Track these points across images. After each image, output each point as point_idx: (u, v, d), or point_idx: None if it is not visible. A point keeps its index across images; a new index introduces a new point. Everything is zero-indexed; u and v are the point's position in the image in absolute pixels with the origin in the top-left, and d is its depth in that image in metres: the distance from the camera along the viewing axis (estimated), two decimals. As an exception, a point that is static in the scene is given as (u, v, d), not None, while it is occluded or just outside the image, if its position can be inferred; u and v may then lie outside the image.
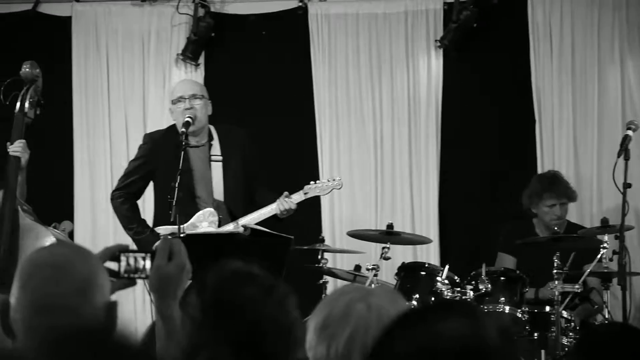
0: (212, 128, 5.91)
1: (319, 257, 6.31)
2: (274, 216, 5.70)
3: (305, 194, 5.65)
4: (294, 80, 7.54)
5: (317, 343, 2.04)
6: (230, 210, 5.74)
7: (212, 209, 5.69)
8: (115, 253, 2.44)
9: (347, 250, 6.60)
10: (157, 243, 5.47)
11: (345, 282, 6.21)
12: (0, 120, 5.81)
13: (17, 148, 5.38)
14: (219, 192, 5.79)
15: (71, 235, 6.34)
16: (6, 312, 2.22)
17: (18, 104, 5.53)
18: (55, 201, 7.41)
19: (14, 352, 1.52)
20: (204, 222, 5.64)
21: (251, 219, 5.63)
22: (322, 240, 6.41)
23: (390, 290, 2.10)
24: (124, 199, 5.89)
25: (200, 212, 5.69)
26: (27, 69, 5.60)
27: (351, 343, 2.01)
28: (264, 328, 2.02)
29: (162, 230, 5.65)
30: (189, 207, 5.66)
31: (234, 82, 7.49)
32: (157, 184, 5.86)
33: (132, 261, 2.45)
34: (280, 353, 2.02)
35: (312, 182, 5.74)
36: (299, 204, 5.72)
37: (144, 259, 2.45)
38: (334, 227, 7.34)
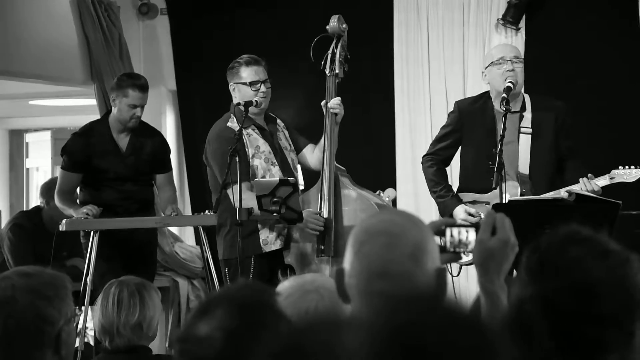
0: (527, 97, 5.78)
1: (650, 222, 6.10)
2: None
3: (611, 178, 5.42)
4: (620, 45, 7.21)
5: None
6: (533, 185, 5.60)
7: (516, 182, 5.58)
8: (440, 227, 2.44)
9: (681, 214, 6.32)
10: (456, 209, 5.50)
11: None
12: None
13: (335, 105, 5.56)
14: (524, 166, 5.66)
15: (394, 203, 6.44)
16: (341, 277, 2.27)
17: (328, 65, 5.59)
18: (379, 169, 7.57)
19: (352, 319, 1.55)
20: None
21: (550, 195, 5.46)
22: (654, 205, 6.18)
23: None
24: (432, 162, 5.89)
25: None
26: (334, 24, 5.59)
27: None
28: (594, 290, 1.97)
29: (464, 196, 5.65)
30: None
31: (555, 46, 7.30)
32: (464, 151, 5.84)
33: (456, 234, 2.44)
34: (619, 317, 1.97)
35: (620, 168, 5.48)
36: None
37: (468, 232, 2.44)
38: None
